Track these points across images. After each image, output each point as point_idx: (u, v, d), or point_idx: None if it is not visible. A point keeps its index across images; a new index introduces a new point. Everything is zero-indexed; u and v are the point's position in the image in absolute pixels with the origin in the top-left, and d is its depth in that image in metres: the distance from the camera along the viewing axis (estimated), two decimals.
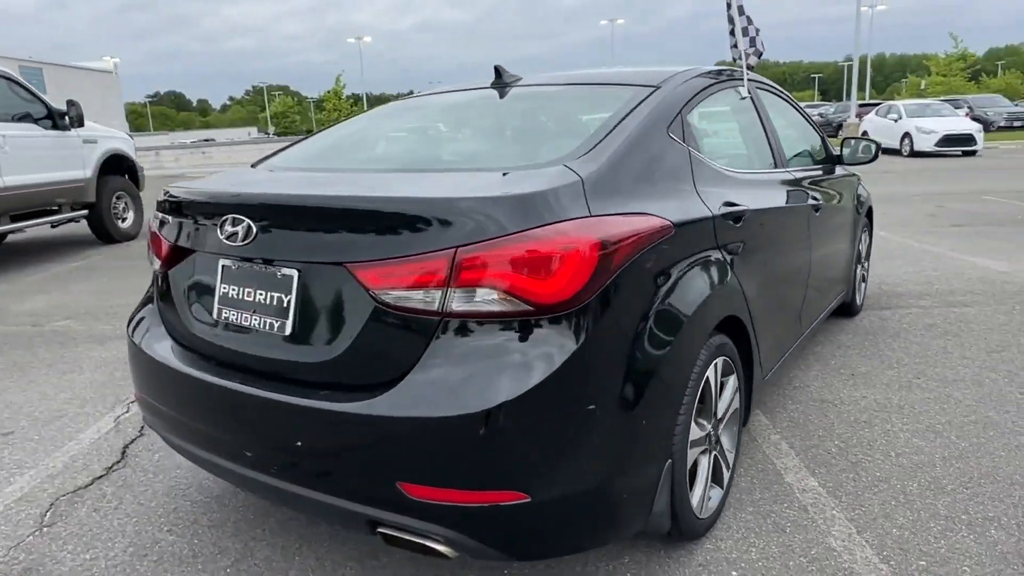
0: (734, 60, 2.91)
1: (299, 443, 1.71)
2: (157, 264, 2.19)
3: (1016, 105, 29.90)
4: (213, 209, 1.96)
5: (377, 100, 70.07)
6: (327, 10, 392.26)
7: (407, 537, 1.67)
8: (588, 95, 2.60)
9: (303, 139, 2.76)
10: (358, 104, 47.75)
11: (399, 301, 1.61)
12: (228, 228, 1.85)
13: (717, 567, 2.08)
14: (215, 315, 1.96)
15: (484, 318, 1.58)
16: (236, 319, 1.90)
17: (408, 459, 1.59)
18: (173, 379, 2.00)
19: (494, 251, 1.54)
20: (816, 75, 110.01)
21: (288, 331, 1.79)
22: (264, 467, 1.82)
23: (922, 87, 43.05)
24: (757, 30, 2.92)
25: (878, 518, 2.30)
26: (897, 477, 2.56)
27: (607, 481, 1.68)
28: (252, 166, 2.55)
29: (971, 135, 17.94)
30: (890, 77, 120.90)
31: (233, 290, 1.92)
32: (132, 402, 3.52)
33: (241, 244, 1.83)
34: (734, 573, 2.05)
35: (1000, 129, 26.21)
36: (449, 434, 1.54)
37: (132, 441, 3.08)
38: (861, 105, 26.77)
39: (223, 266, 1.94)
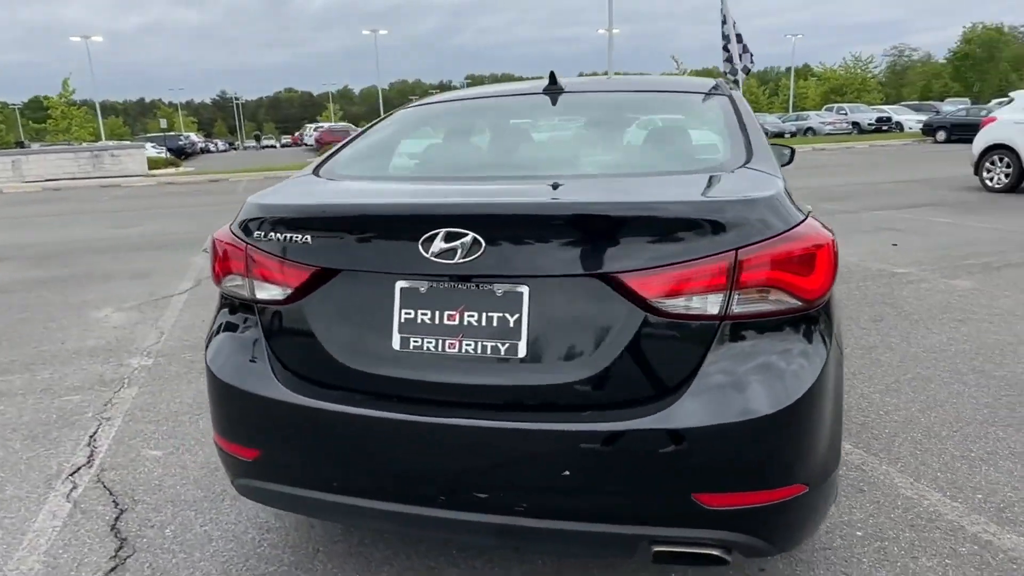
0: (724, 73, 3.20)
1: (566, 472, 1.57)
2: (271, 293, 1.84)
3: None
4: (408, 223, 1.71)
5: (104, 108, 61.65)
6: (18, 3, 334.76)
7: (685, 550, 1.62)
8: (670, 101, 2.69)
9: (339, 152, 2.46)
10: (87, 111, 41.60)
11: (675, 308, 1.56)
12: (441, 244, 1.63)
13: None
14: (396, 345, 1.71)
15: (761, 318, 1.60)
16: (436, 347, 1.68)
17: (704, 469, 1.55)
18: (338, 423, 1.72)
19: (771, 251, 1.57)
20: None
21: (522, 353, 1.63)
22: (498, 506, 1.64)
23: None
24: (745, 47, 3.25)
25: (918, 466, 2.70)
26: (902, 431, 3.01)
27: (839, 460, 1.80)
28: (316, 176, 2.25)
29: None
30: None
31: (424, 315, 1.69)
32: (77, 470, 2.84)
33: (459, 261, 1.62)
34: (859, 533, 2.28)
35: None
36: (747, 437, 1.54)
37: (118, 518, 2.50)
38: None
39: (402, 288, 1.70)
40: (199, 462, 2.92)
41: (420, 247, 1.65)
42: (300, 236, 1.79)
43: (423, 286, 1.69)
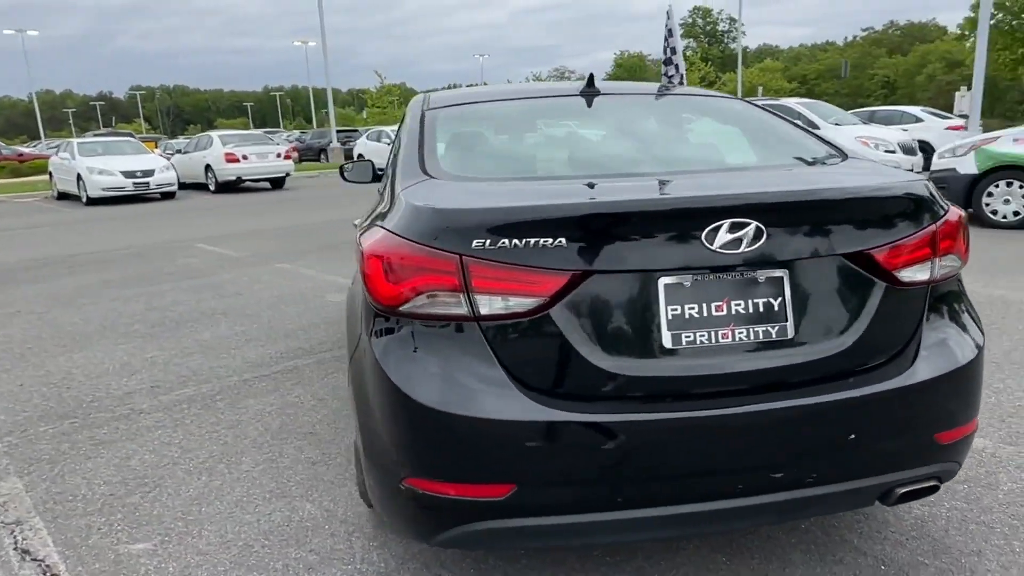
0: (666, 82, 3.53)
1: (851, 435, 1.71)
2: (506, 306, 1.64)
3: None
4: (689, 217, 1.67)
5: None
6: None
7: (921, 487, 1.86)
8: (712, 104, 2.87)
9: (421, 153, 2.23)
10: None
11: (906, 277, 1.80)
12: (725, 235, 1.64)
13: None
14: (668, 343, 1.67)
15: (946, 280, 1.91)
16: (708, 339, 1.68)
17: (941, 410, 1.81)
18: (615, 434, 1.63)
19: (949, 223, 1.89)
20: (248, 104, 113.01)
21: (790, 334, 1.72)
22: (790, 483, 1.71)
23: (364, 117, 49.23)
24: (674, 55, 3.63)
25: None
26: None
27: None
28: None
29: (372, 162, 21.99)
30: (306, 108, 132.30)
31: (691, 309, 1.68)
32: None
33: (744, 251, 1.65)
34: None
35: None
36: (964, 379, 1.84)
37: None
38: (339, 131, 29.28)
39: (666, 285, 1.67)
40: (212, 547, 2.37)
41: (704, 239, 1.64)
42: (545, 240, 1.64)
43: (687, 280, 1.68)
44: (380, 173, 4.26)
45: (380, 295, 1.75)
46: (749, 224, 1.66)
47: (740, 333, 1.70)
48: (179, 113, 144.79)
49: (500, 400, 1.64)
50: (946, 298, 1.92)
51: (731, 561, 2.18)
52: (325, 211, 12.56)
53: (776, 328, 1.72)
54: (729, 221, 1.65)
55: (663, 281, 1.67)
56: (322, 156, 29.30)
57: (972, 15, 20.02)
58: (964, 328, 1.91)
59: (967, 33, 20.89)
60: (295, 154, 22.12)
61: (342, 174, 4.39)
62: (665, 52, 4.06)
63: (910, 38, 69.09)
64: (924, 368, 1.78)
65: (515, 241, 1.64)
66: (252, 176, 17.78)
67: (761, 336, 1.71)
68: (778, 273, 1.72)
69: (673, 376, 1.67)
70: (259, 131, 24.58)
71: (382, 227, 1.85)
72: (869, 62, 65.39)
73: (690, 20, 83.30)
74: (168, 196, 16.65)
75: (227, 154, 17.26)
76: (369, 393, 1.84)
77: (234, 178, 17.47)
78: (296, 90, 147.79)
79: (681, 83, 3.80)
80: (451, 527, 1.72)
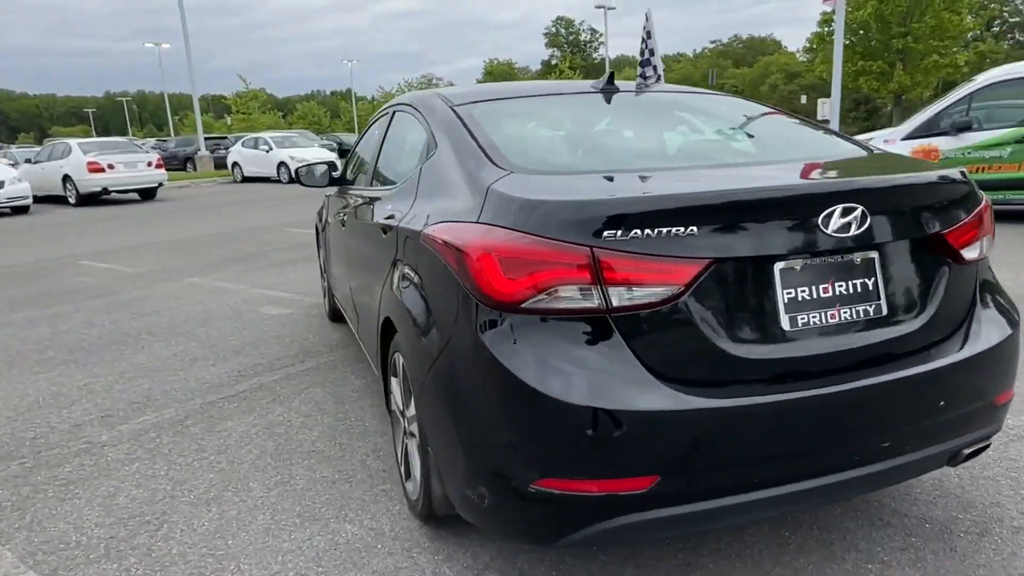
0: (642, 82, 3.62)
1: (941, 402, 1.84)
2: (637, 296, 1.63)
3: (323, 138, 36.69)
4: (807, 203, 1.73)
5: None
6: None
7: (980, 446, 2.03)
8: (732, 102, 2.97)
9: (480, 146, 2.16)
10: None
11: (968, 255, 1.97)
12: (838, 220, 1.71)
13: None
14: (786, 325, 1.73)
15: (985, 257, 2.11)
16: (820, 320, 1.76)
17: (997, 375, 2.00)
18: (748, 418, 1.67)
19: (986, 206, 2.09)
20: (89, 110, 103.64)
21: (884, 311, 1.83)
22: (895, 451, 1.82)
23: (228, 123, 46.65)
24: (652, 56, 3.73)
25: None
26: None
27: None
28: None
29: (333, 162, 21.34)
30: (154, 115, 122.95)
31: (803, 291, 1.75)
32: None
33: (851, 234, 1.74)
34: None
35: None
36: (1012, 347, 2.04)
37: None
38: (207, 138, 27.56)
39: (781, 269, 1.73)
40: None
41: (820, 223, 1.71)
42: (678, 229, 1.65)
43: (798, 264, 1.75)
44: (336, 177, 4.15)
45: (497, 292, 1.69)
46: (857, 208, 1.75)
47: (844, 313, 1.79)
48: (4, 120, 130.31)
49: (641, 391, 1.62)
50: (987, 274, 2.12)
51: (795, 535, 2.28)
52: (213, 222, 11.80)
53: (873, 306, 1.83)
54: (842, 206, 1.74)
55: (778, 266, 1.73)
56: (188, 165, 27.47)
57: (819, 30, 22.42)
58: (1005, 300, 2.11)
59: (814, 47, 23.22)
60: None
61: (298, 179, 4.22)
62: (643, 54, 4.24)
63: (752, 51, 75.39)
64: (985, 337, 1.95)
65: (647, 231, 1.63)
66: (120, 187, 16.36)
67: (861, 315, 1.81)
68: (872, 255, 1.83)
69: (793, 357, 1.73)
70: (124, 139, 22.63)
71: (487, 223, 1.78)
72: (719, 72, 70.55)
73: (553, 30, 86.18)
74: (21, 211, 14.96)
75: (90, 163, 15.75)
76: (480, 397, 1.76)
77: (99, 189, 15.99)
78: (144, 96, 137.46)
79: (658, 83, 3.93)
80: (587, 526, 1.69)
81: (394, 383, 2.59)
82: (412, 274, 2.17)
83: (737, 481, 1.70)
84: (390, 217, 2.52)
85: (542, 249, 1.65)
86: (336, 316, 4.95)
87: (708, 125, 2.72)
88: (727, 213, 1.69)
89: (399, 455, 2.59)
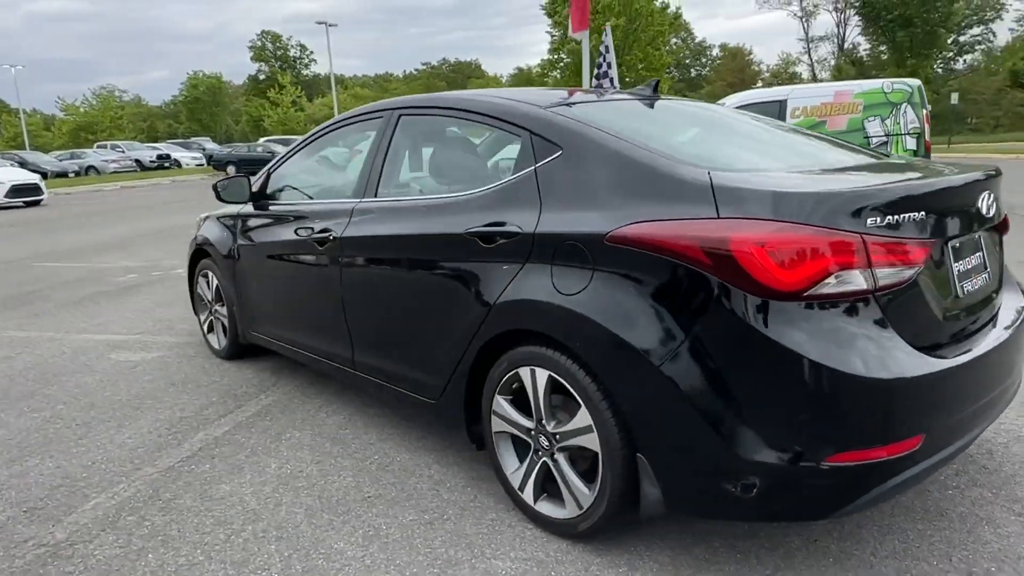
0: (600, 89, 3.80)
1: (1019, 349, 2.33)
2: (893, 277, 1.82)
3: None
4: (972, 191, 2.04)
5: None
6: None
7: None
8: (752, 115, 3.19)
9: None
10: None
11: (1003, 236, 2.50)
12: (986, 204, 2.08)
13: None
14: (959, 293, 2.05)
15: None
16: (971, 287, 2.12)
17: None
18: (969, 371, 1.96)
19: None
20: None
21: (992, 281, 2.26)
22: (1009, 394, 2.24)
23: None
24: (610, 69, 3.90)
25: None
26: None
27: None
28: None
29: (36, 185, 17.85)
30: None
31: (959, 264, 2.10)
32: None
33: (992, 215, 2.12)
34: None
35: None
36: None
37: None
38: None
39: (953, 247, 2.06)
40: None
41: (980, 206, 2.07)
42: (915, 215, 1.88)
43: (959, 242, 2.09)
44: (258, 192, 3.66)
45: (779, 282, 1.75)
46: (992, 195, 2.15)
47: (978, 281, 2.18)
48: None
49: (909, 360, 1.82)
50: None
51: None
52: None
53: (988, 274, 2.24)
54: (990, 192, 2.12)
55: (951, 244, 2.05)
56: None
57: (550, 57, 25.10)
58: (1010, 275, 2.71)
59: (546, 71, 25.76)
60: None
61: (218, 194, 3.69)
62: (600, 67, 4.32)
63: (461, 74, 80.00)
64: (1015, 301, 2.48)
65: (896, 218, 1.84)
66: None
67: (982, 282, 2.21)
68: (979, 235, 2.24)
69: (966, 318, 2.07)
70: None
71: (737, 217, 1.82)
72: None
73: (259, 44, 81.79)
74: None
75: None
76: (760, 385, 1.80)
77: None
78: None
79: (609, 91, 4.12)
80: (866, 492, 1.82)
81: (503, 402, 2.42)
82: (590, 277, 2.08)
83: (959, 428, 1.98)
84: (497, 224, 2.36)
85: (821, 238, 1.76)
86: (244, 352, 4.29)
87: (759, 131, 2.99)
88: (941, 200, 1.98)
89: (520, 478, 2.42)
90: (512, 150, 2.53)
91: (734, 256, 1.79)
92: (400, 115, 3.03)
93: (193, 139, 45.79)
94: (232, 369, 4.24)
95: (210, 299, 4.42)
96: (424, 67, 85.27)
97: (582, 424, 2.16)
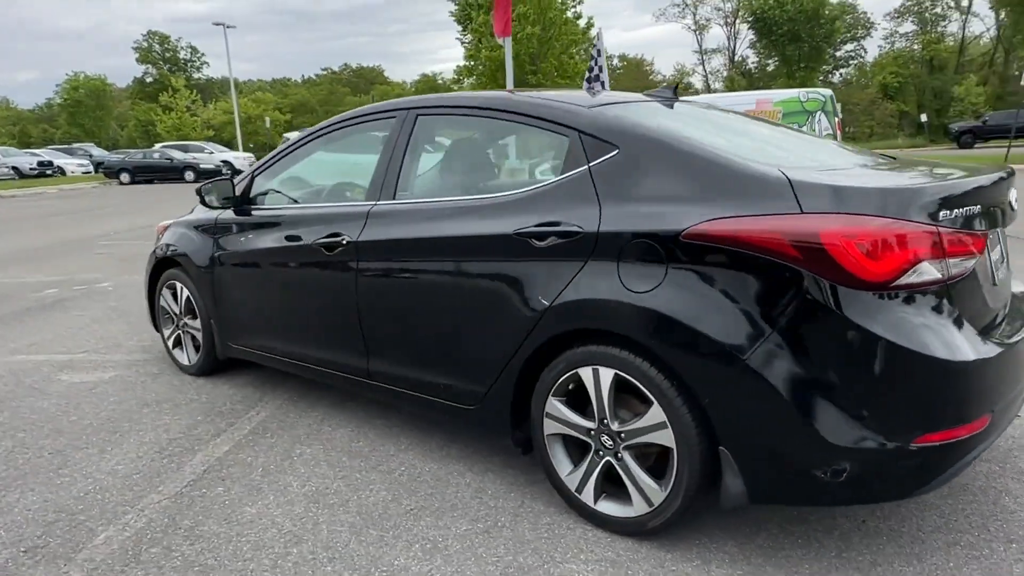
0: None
1: None
2: (960, 267, 1.94)
3: None
4: (1004, 187, 2.19)
5: None
6: None
7: None
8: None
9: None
10: None
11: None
12: (1014, 199, 2.25)
13: None
14: (995, 281, 2.21)
15: None
16: (1002, 276, 2.29)
17: None
18: (1018, 356, 2.12)
19: None
20: None
21: (1007, 267, 2.45)
22: None
23: None
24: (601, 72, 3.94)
25: None
26: None
27: None
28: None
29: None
30: None
31: (993, 255, 2.26)
32: None
33: (1015, 211, 2.30)
34: None
35: None
36: None
37: None
38: None
39: (989, 239, 2.22)
40: None
41: (1009, 202, 2.24)
42: (971, 210, 2.01)
43: (992, 234, 2.25)
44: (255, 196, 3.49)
45: (870, 273, 1.83)
46: (1015, 192, 2.33)
47: (1002, 270, 2.36)
48: None
49: (980, 344, 1.95)
50: None
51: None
52: None
53: (1006, 264, 2.43)
54: (1014, 189, 2.29)
55: (988, 236, 2.21)
56: None
57: (466, 63, 25.03)
58: None
59: (461, 78, 25.70)
60: None
61: (202, 198, 3.50)
62: (592, 70, 4.29)
63: (364, 79, 78.56)
64: None
65: (960, 211, 1.97)
66: None
67: (1004, 269, 2.40)
68: (1000, 229, 2.43)
69: (1000, 303, 2.24)
70: None
71: (822, 212, 1.89)
72: (337, 99, 71.91)
73: (146, 45, 77.19)
74: None
75: None
76: (851, 373, 1.87)
77: None
78: None
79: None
80: (947, 469, 1.93)
81: (558, 404, 2.39)
82: (663, 274, 2.09)
83: (1010, 409, 2.13)
84: (551, 224, 2.34)
85: (907, 231, 1.85)
86: (217, 367, 4.03)
87: (777, 133, 3.10)
88: (988, 195, 2.12)
89: (578, 480, 2.40)
90: (555, 150, 2.52)
91: (825, 248, 1.86)
92: (417, 115, 2.95)
93: (76, 145, 42.62)
94: (208, 386, 3.98)
95: (178, 312, 4.12)
96: (325, 72, 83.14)
97: (655, 421, 2.17)
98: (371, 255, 2.89)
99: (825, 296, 1.88)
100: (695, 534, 2.33)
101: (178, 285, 4.05)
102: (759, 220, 1.96)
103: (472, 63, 21.45)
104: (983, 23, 64.12)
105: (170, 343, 4.26)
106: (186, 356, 4.15)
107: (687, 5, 54.56)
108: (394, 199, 2.91)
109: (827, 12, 32.57)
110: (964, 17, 51.07)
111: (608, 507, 2.35)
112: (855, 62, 53.23)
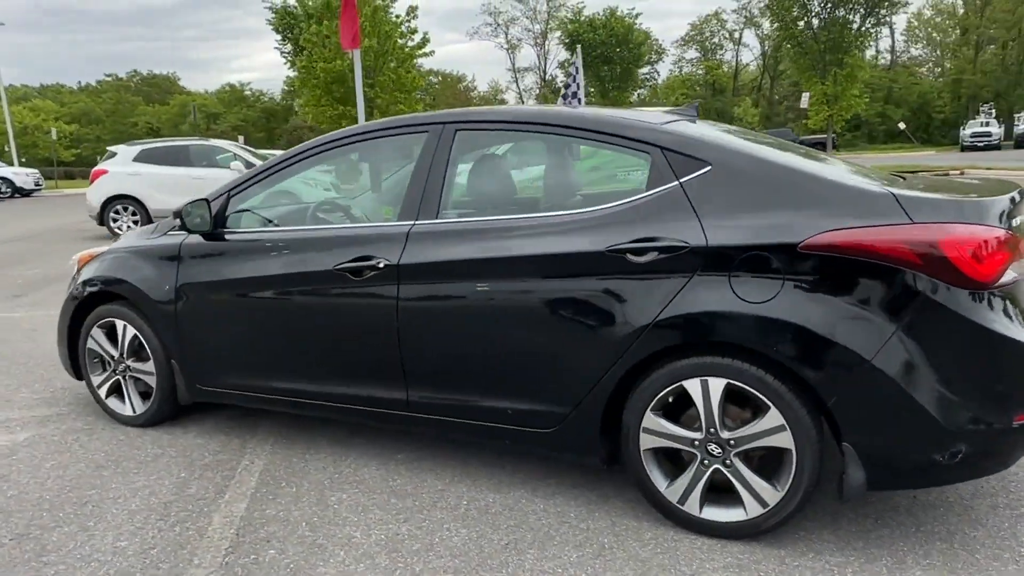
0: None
1: None
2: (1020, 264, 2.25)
3: None
4: None
5: None
6: None
7: None
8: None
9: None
10: None
11: None
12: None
13: None
14: None
15: None
16: None
17: None
18: None
19: None
20: None
21: None
22: None
23: None
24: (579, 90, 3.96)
25: None
26: None
27: None
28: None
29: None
30: None
31: None
32: None
33: None
34: None
35: None
36: None
37: None
38: None
39: None
40: None
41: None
42: (1019, 217, 2.33)
43: None
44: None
45: (982, 275, 2.07)
46: None
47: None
48: None
49: None
50: None
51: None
52: None
53: None
54: None
55: None
56: None
57: (298, 75, 23.40)
58: None
59: (295, 88, 24.08)
60: None
61: (183, 222, 3.13)
62: (569, 87, 4.11)
63: (159, 89, 71.83)
64: None
65: (1017, 219, 2.28)
66: None
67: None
68: None
69: None
70: None
71: (930, 223, 2.10)
72: (127, 109, 65.02)
73: None
74: None
75: None
76: (966, 364, 2.10)
77: None
78: None
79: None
80: None
81: (656, 418, 2.41)
82: (780, 284, 2.19)
83: None
84: (649, 239, 2.36)
85: (1005, 237, 2.11)
86: (169, 415, 3.52)
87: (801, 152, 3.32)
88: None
89: (681, 491, 2.42)
90: (634, 166, 2.54)
91: (946, 254, 2.07)
92: (456, 130, 2.82)
93: None
94: (166, 437, 3.45)
95: (116, 355, 3.54)
96: (110, 78, 74.80)
97: (772, 425, 2.26)
98: (419, 277, 2.71)
99: (941, 296, 2.09)
100: (793, 530, 2.45)
101: (118, 323, 3.48)
102: (879, 231, 2.13)
103: (305, 74, 20.53)
104: (752, 53, 73.52)
105: (102, 391, 3.64)
106: (129, 405, 3.57)
107: (499, 25, 56.75)
108: (437, 218, 2.75)
109: (635, 37, 35.52)
110: (736, 47, 58.28)
111: (714, 513, 2.41)
112: (649, 84, 58.63)
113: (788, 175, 2.32)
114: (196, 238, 3.25)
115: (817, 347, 2.18)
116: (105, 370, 3.62)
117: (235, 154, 12.25)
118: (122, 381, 3.57)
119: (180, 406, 3.52)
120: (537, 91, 57.44)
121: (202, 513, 2.72)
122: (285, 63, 35.07)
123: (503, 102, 63.34)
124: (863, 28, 26.90)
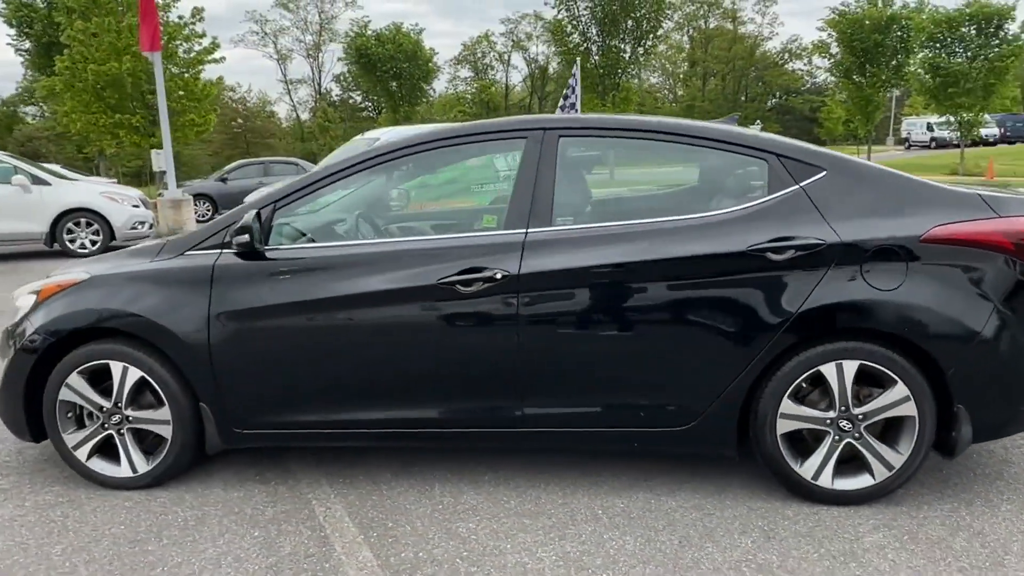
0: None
1: None
2: None
3: None
4: None
5: None
6: None
7: None
8: None
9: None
10: None
11: None
12: None
13: None
14: None
15: None
16: None
17: None
18: None
19: None
20: None
21: None
22: None
23: None
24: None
25: None
26: None
27: None
28: None
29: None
30: None
31: None
32: None
33: None
34: None
35: None
36: None
37: None
38: None
39: None
40: None
41: None
42: None
43: None
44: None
45: None
46: None
47: None
48: None
49: None
50: None
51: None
52: None
53: None
54: None
55: None
56: None
57: (60, 76, 19.07)
58: None
59: (58, 91, 19.50)
60: None
61: (249, 241, 2.75)
62: (568, 98, 3.77)
63: None
64: None
65: None
66: None
67: None
68: None
69: None
70: None
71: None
72: None
73: None
74: None
75: None
76: None
77: None
78: None
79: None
80: None
81: (792, 403, 2.61)
82: (905, 272, 2.51)
83: None
84: (786, 239, 2.55)
85: None
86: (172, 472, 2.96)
87: None
88: None
89: (815, 467, 2.64)
90: (751, 173, 2.73)
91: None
92: (559, 136, 2.78)
93: None
94: (188, 495, 2.89)
95: (108, 406, 2.88)
96: None
97: (898, 397, 2.57)
98: (543, 286, 2.63)
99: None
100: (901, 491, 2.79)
101: (115, 366, 2.84)
102: (980, 223, 2.54)
103: (70, 77, 17.52)
104: (519, 74, 78.04)
105: (82, 452, 2.93)
106: (126, 465, 2.92)
107: (266, 34, 53.83)
108: (552, 225, 2.70)
109: (423, 54, 35.88)
110: (506, 68, 61.62)
111: (845, 483, 2.66)
112: (425, 100, 59.73)
113: (893, 179, 2.67)
114: (233, 257, 2.80)
115: (939, 325, 2.53)
116: (85, 426, 2.94)
117: (15, 166, 10.25)
118: (115, 437, 2.92)
119: (195, 459, 2.98)
120: (313, 103, 55.47)
121: (327, 571, 2.36)
122: (22, 62, 29.81)
123: (274, 113, 60.29)
124: (632, 56, 30.13)
